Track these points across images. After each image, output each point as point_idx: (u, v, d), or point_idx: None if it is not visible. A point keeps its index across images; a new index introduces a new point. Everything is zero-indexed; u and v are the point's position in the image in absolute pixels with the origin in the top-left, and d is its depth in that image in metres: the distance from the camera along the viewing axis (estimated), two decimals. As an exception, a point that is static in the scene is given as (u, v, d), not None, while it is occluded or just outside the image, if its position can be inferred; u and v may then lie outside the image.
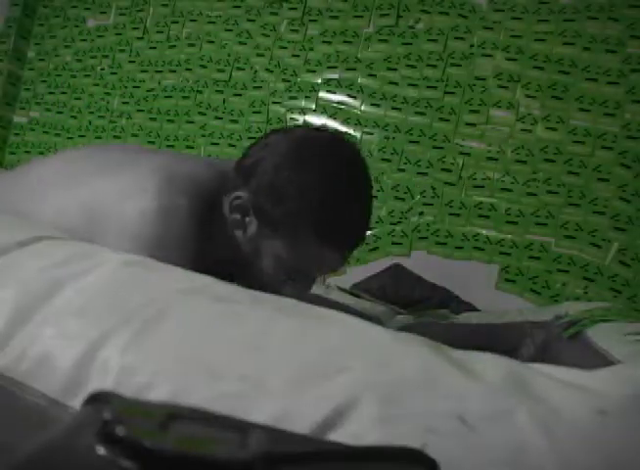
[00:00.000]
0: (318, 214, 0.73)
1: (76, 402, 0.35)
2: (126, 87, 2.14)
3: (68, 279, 0.43)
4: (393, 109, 1.76)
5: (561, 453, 0.30)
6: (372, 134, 1.77)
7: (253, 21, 1.98)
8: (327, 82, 1.85)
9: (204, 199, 0.76)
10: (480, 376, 0.35)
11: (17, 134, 2.32)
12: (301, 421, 0.32)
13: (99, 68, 2.20)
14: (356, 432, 0.31)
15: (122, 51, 2.17)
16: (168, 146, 2.04)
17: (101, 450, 0.24)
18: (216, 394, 0.33)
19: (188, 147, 2.01)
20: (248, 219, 0.77)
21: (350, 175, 0.77)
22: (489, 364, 0.37)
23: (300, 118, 1.87)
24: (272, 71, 1.93)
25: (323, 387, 0.34)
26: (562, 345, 0.81)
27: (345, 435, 0.31)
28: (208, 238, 0.78)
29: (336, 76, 1.84)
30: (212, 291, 0.44)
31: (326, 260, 0.79)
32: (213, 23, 2.04)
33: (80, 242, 0.54)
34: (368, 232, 0.82)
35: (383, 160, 1.74)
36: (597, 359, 0.62)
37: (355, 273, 1.67)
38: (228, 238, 0.79)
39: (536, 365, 0.39)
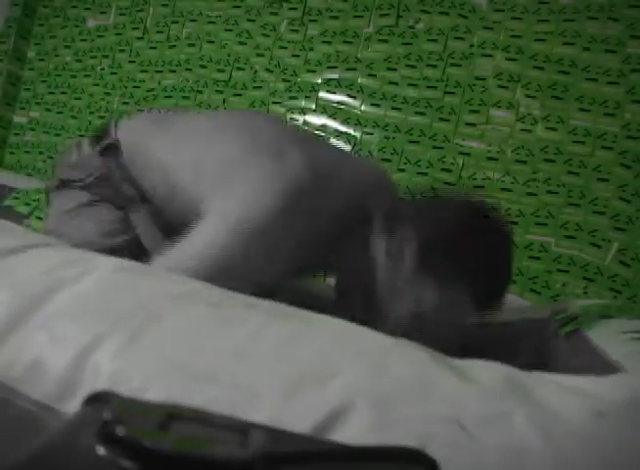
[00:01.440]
0: (489, 277, 0.80)
1: (68, 408, 0.35)
2: (126, 87, 2.14)
3: (61, 284, 0.43)
4: (393, 109, 1.76)
5: (558, 454, 0.30)
6: (372, 134, 1.77)
7: (253, 21, 1.98)
8: (327, 82, 1.85)
9: (328, 213, 0.80)
10: (477, 380, 0.35)
11: (17, 134, 2.32)
12: (295, 427, 0.31)
13: (99, 68, 2.20)
14: (351, 437, 0.31)
15: (122, 51, 2.17)
16: (168, 146, 2.04)
17: (101, 450, 0.24)
18: (209, 399, 0.33)
19: (188, 147, 2.01)
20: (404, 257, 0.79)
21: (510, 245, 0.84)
22: (486, 369, 0.37)
23: (300, 118, 1.87)
24: (272, 71, 1.93)
25: (317, 392, 0.33)
26: (559, 342, 0.81)
27: (340, 440, 0.31)
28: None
29: (336, 76, 1.84)
30: (204, 296, 0.44)
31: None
32: (213, 23, 2.04)
33: (73, 249, 0.54)
34: None
35: (383, 160, 1.74)
36: (594, 359, 0.62)
37: (355, 273, 1.67)
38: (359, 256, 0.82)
39: (534, 372, 0.39)
